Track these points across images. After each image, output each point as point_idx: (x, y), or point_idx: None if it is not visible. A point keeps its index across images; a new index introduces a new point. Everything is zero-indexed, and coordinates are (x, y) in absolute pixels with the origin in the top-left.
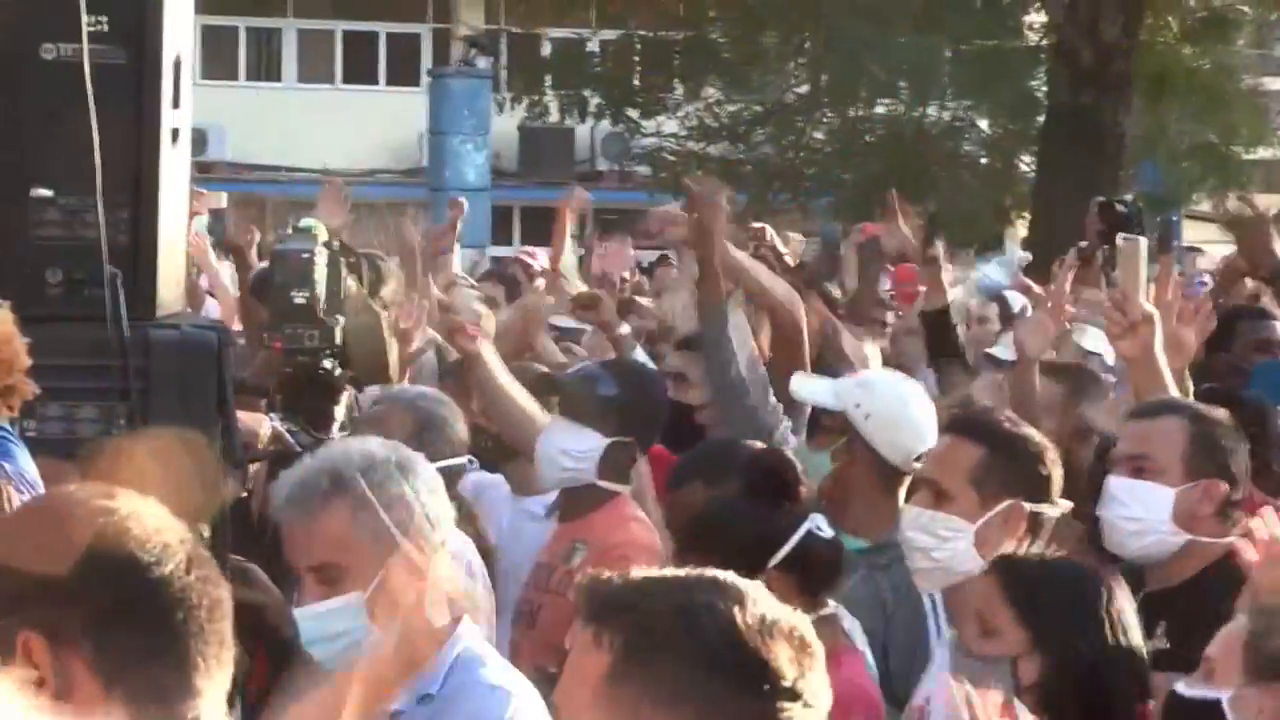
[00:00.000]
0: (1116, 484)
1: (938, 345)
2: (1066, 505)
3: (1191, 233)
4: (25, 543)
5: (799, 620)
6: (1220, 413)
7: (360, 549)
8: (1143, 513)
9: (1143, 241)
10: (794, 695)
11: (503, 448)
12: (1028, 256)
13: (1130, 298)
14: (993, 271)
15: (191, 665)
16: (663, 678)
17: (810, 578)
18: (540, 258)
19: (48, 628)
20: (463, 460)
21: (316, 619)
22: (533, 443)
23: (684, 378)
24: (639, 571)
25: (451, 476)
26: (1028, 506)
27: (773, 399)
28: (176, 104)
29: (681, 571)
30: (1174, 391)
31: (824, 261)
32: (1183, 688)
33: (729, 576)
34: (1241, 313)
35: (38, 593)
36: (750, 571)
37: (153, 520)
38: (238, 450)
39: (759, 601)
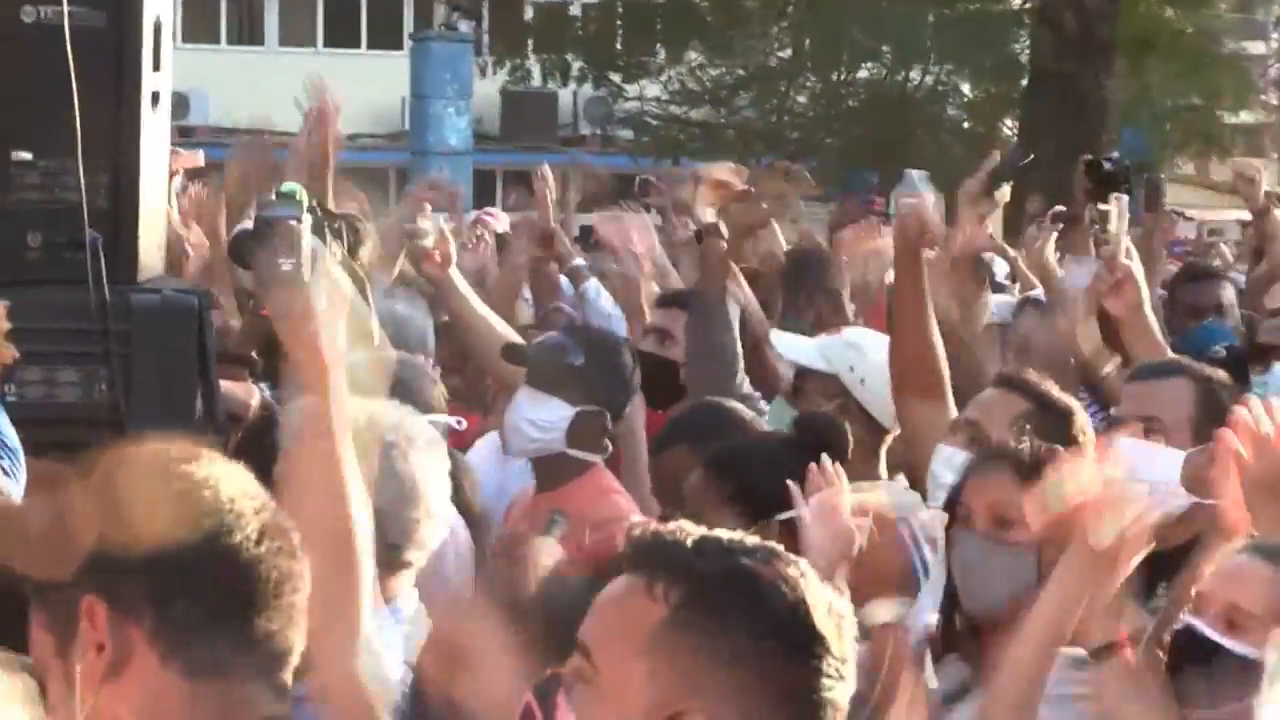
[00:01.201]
0: (1126, 444)
1: None
2: None
3: (1174, 196)
4: (95, 504)
5: (843, 602)
6: (1221, 373)
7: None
8: (1150, 475)
9: (1122, 200)
10: (838, 671)
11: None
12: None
13: (1114, 256)
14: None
15: (255, 641)
16: (722, 638)
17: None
18: (502, 220)
19: (111, 593)
20: (446, 419)
21: None
22: (510, 375)
23: (669, 334)
24: (690, 527)
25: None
26: None
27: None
28: (157, 67)
29: (734, 534)
30: (1165, 348)
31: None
32: (1208, 632)
33: (780, 548)
34: (1179, 277)
35: (103, 557)
36: (754, 515)
37: (229, 487)
38: (219, 415)
39: (811, 577)
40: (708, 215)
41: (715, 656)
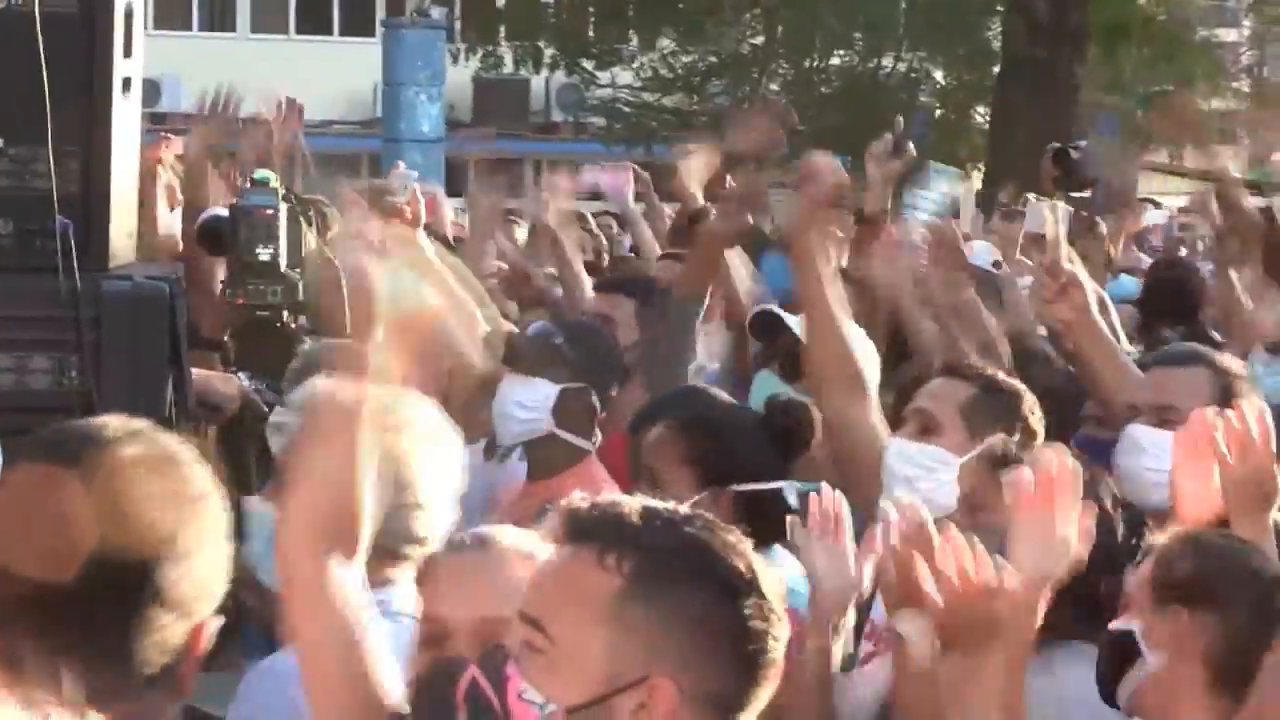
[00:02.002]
0: (1142, 433)
1: None
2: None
3: (1147, 184)
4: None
5: (767, 563)
6: (1236, 363)
7: None
8: (1161, 464)
9: (1060, 207)
10: (779, 637)
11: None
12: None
13: (1055, 262)
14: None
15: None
16: (678, 605)
17: (755, 525)
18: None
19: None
20: None
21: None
22: (469, 335)
23: (610, 319)
24: (624, 499)
25: None
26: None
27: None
28: (128, 54)
29: (670, 505)
30: (1125, 348)
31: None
32: (1113, 624)
33: (714, 518)
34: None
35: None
36: (710, 481)
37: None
38: (190, 402)
39: (746, 544)
40: (698, 195)
41: (672, 623)
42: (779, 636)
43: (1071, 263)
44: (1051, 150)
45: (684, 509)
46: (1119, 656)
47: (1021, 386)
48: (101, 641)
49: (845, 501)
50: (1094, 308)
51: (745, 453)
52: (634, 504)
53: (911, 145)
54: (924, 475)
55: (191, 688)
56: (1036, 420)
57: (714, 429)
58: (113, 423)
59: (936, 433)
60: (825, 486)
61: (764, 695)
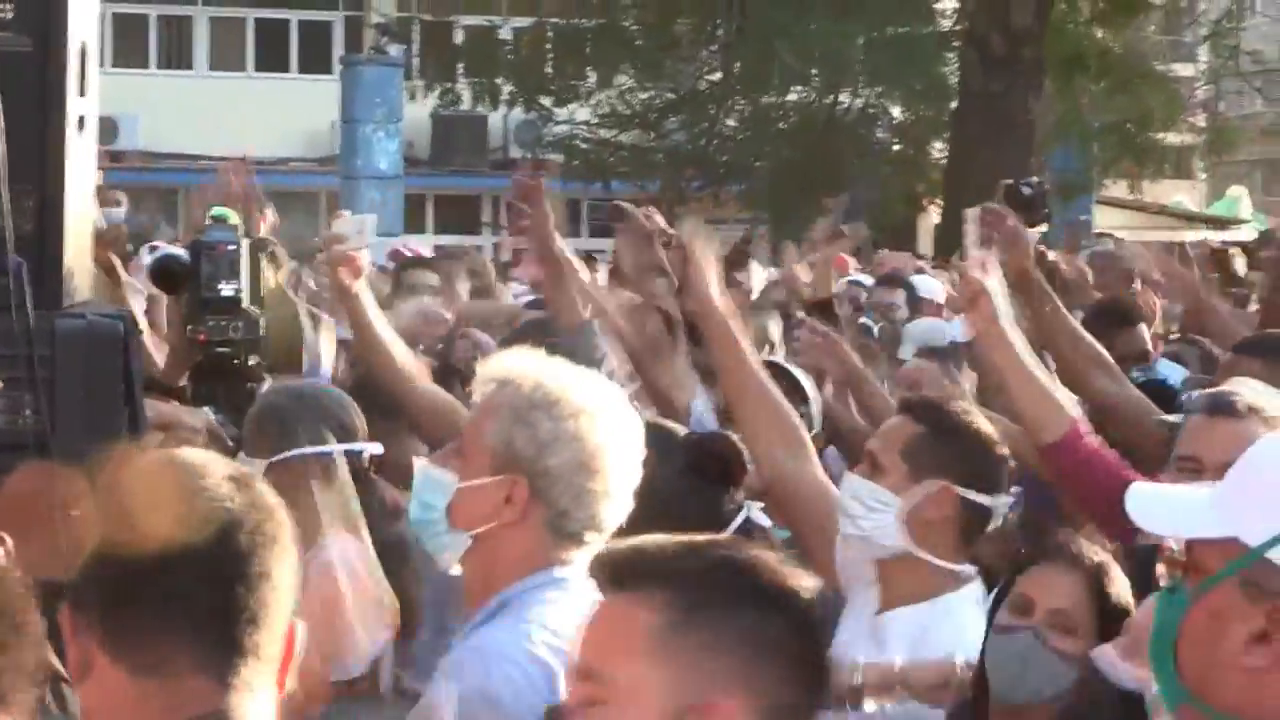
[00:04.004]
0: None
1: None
2: (1007, 499)
3: (1104, 218)
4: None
5: (802, 572)
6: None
7: None
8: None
9: (973, 211)
10: (825, 638)
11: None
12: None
13: (966, 272)
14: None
15: (207, 641)
16: (723, 626)
17: None
18: (423, 250)
19: (74, 601)
20: (367, 446)
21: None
22: (411, 394)
23: None
24: (650, 538)
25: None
26: (959, 490)
27: None
28: (83, 92)
29: (686, 537)
30: (1031, 365)
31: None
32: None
33: (741, 539)
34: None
35: (77, 569)
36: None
37: (207, 496)
38: (145, 440)
39: (773, 553)
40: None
41: (720, 645)
42: (824, 641)
43: (985, 273)
44: (1003, 186)
45: (714, 536)
46: None
47: (988, 430)
48: (197, 649)
49: None
50: (1005, 320)
51: (697, 509)
52: (660, 540)
53: (859, 225)
54: (866, 514)
55: (287, 684)
56: (1005, 468)
57: (667, 499)
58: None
59: (880, 472)
60: None
61: (822, 697)
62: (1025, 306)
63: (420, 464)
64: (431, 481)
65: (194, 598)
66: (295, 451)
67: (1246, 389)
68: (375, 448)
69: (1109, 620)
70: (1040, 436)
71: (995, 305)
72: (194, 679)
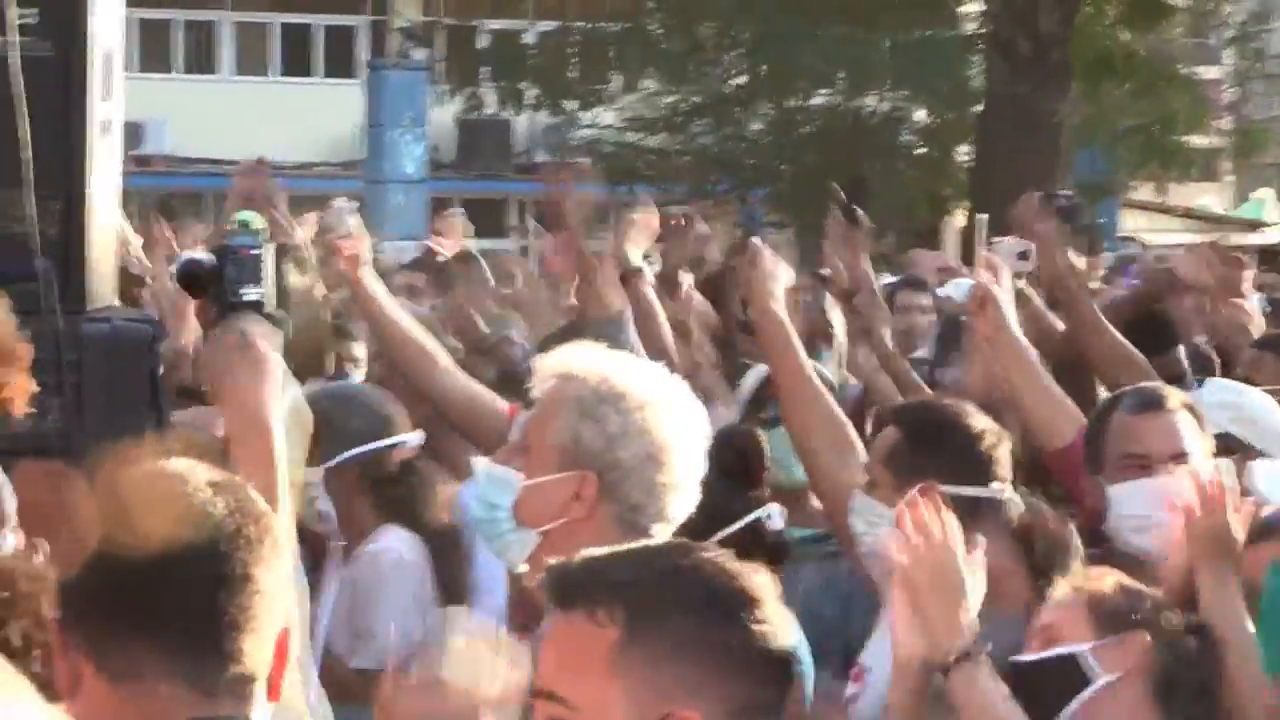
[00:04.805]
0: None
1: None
2: (1000, 488)
3: (1130, 221)
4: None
5: (753, 570)
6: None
7: None
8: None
9: (982, 218)
10: (781, 632)
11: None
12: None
13: (975, 278)
14: (951, 291)
15: (180, 647)
16: (676, 634)
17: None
18: (446, 249)
19: (61, 610)
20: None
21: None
22: (432, 382)
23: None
24: (598, 550)
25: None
26: (946, 489)
27: None
28: (107, 96)
29: (642, 544)
30: (1040, 370)
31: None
32: (1025, 657)
33: (681, 540)
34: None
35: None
36: (693, 538)
37: (186, 502)
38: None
39: (720, 553)
40: (635, 257)
41: (679, 654)
42: (783, 631)
43: (996, 279)
44: (1037, 198)
45: (652, 543)
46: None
47: (975, 423)
48: (175, 656)
49: None
50: (1014, 327)
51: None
52: (609, 552)
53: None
54: (868, 529)
55: (280, 692)
56: (998, 459)
57: None
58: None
59: (875, 485)
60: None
61: (783, 689)
62: (1062, 308)
63: (481, 463)
64: (495, 480)
65: (170, 604)
66: (346, 455)
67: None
68: (418, 437)
69: None
70: (1050, 441)
71: (1004, 310)
72: (172, 686)
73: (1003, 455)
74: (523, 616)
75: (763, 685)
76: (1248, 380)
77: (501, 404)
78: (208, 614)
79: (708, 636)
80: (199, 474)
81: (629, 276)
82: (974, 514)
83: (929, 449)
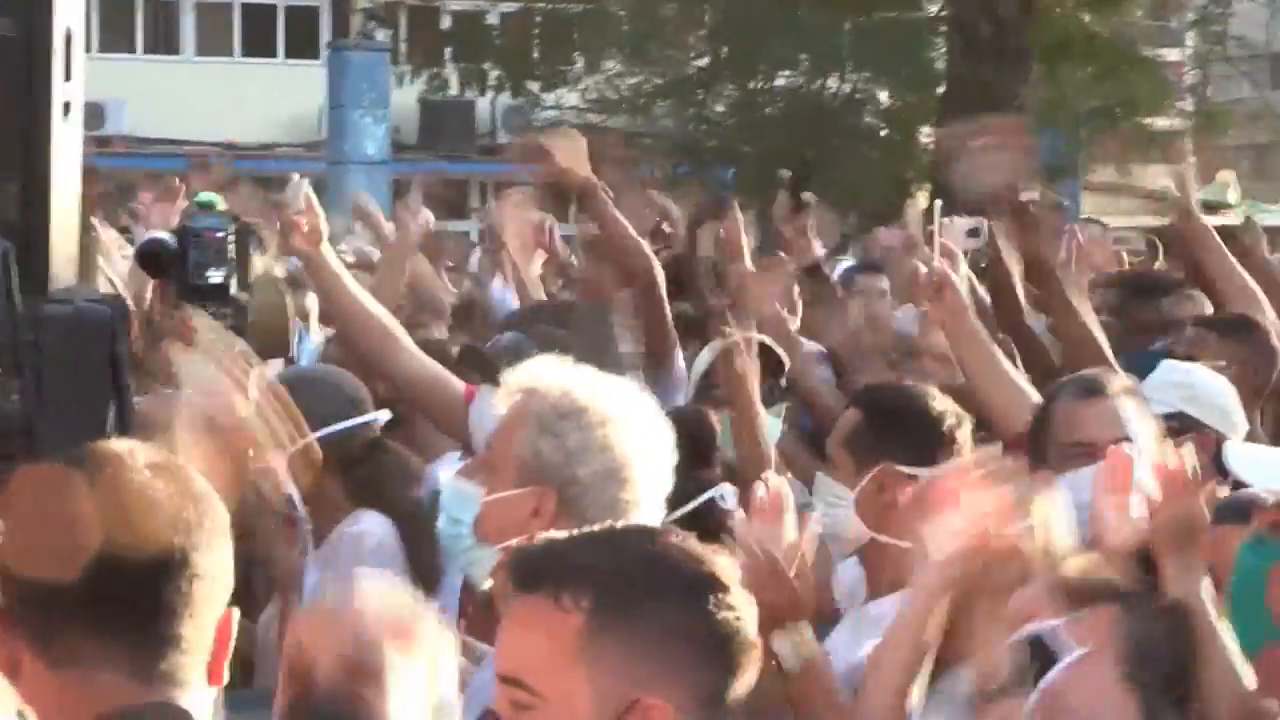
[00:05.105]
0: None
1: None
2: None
3: (1091, 204)
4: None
5: (716, 553)
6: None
7: None
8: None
9: (936, 203)
10: (744, 616)
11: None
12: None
13: (932, 263)
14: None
15: (118, 632)
16: (642, 621)
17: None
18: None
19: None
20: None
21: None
22: (391, 361)
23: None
24: (559, 534)
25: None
26: (904, 470)
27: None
28: (68, 77)
29: (606, 527)
30: (996, 356)
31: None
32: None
33: (650, 526)
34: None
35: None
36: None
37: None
38: (130, 429)
39: (684, 538)
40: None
41: (645, 641)
42: (748, 618)
43: (951, 263)
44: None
45: (616, 526)
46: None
47: (935, 404)
48: (111, 643)
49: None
50: (969, 311)
51: None
52: (572, 535)
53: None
54: (828, 510)
55: (223, 676)
56: (958, 439)
57: None
58: (120, 445)
59: (835, 467)
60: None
61: (749, 678)
62: (1042, 288)
63: (446, 478)
64: (458, 496)
65: (107, 590)
66: (314, 436)
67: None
68: (385, 415)
69: None
70: (1008, 426)
71: (959, 297)
72: (110, 674)
73: (963, 436)
74: (479, 632)
75: (730, 673)
76: (1189, 359)
77: (458, 384)
78: (145, 600)
79: (677, 623)
80: (138, 456)
81: (585, 192)
82: None
83: (889, 430)
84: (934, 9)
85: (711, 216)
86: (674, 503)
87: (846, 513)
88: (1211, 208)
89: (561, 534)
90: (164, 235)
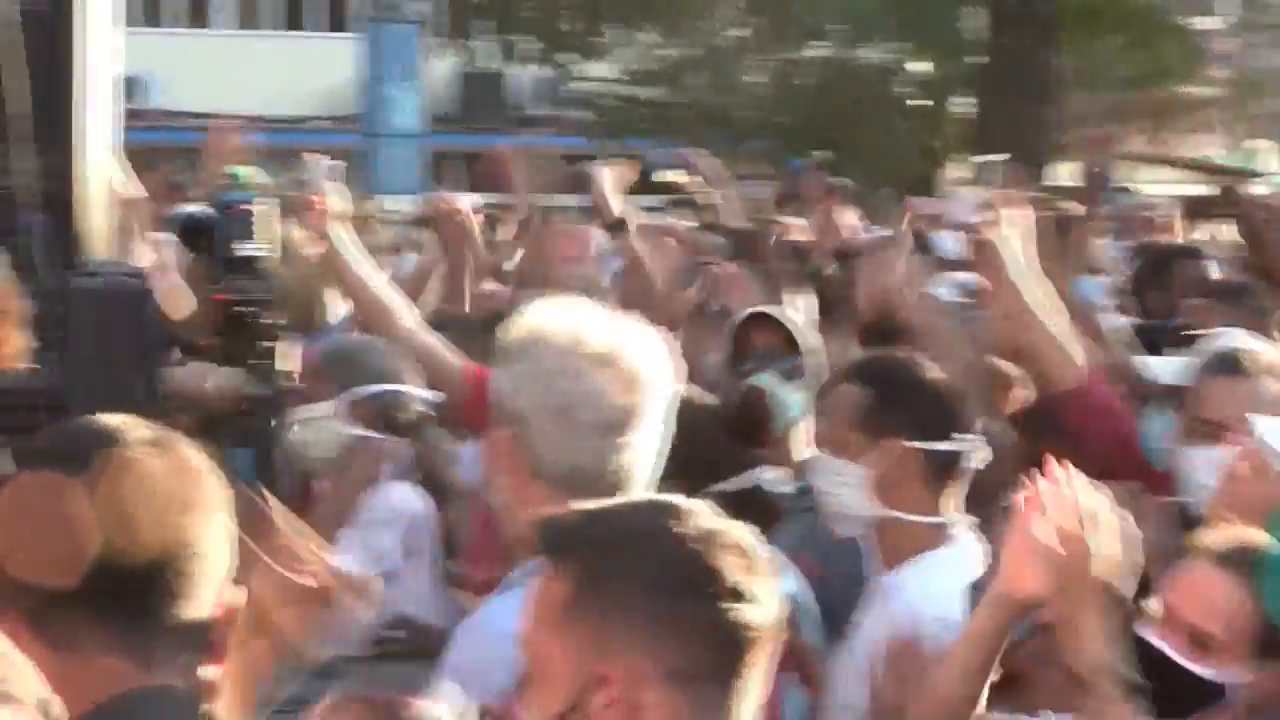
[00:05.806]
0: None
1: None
2: (967, 441)
3: (1124, 171)
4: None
5: (740, 530)
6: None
7: None
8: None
9: (986, 161)
10: (740, 595)
11: None
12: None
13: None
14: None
15: (118, 617)
16: (620, 598)
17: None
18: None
19: None
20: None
21: None
22: (386, 333)
23: None
24: (589, 503)
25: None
26: (915, 445)
27: None
28: (101, 51)
29: (628, 499)
30: (1046, 314)
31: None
32: (1169, 651)
33: (671, 498)
34: (1176, 252)
35: None
36: (690, 489)
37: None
38: (159, 400)
39: (701, 516)
40: (617, 207)
41: (623, 613)
42: (753, 591)
43: (994, 226)
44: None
45: (640, 498)
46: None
47: (937, 378)
48: (111, 630)
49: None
50: (1014, 272)
51: (715, 453)
52: (589, 508)
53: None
54: (836, 489)
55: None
56: (950, 410)
57: (693, 434)
58: (112, 422)
59: (840, 445)
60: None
61: (759, 657)
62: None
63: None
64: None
65: (101, 584)
66: (370, 389)
67: (1240, 342)
68: (435, 395)
69: None
70: (1053, 384)
71: (1004, 257)
72: (108, 658)
73: (965, 408)
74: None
75: (709, 651)
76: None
77: (455, 361)
78: (144, 588)
79: (657, 596)
80: (136, 431)
81: (614, 228)
82: (945, 469)
83: (899, 404)
84: None
85: (793, 199)
86: (722, 473)
87: (856, 489)
88: (1245, 175)
89: (588, 504)
90: (199, 210)
